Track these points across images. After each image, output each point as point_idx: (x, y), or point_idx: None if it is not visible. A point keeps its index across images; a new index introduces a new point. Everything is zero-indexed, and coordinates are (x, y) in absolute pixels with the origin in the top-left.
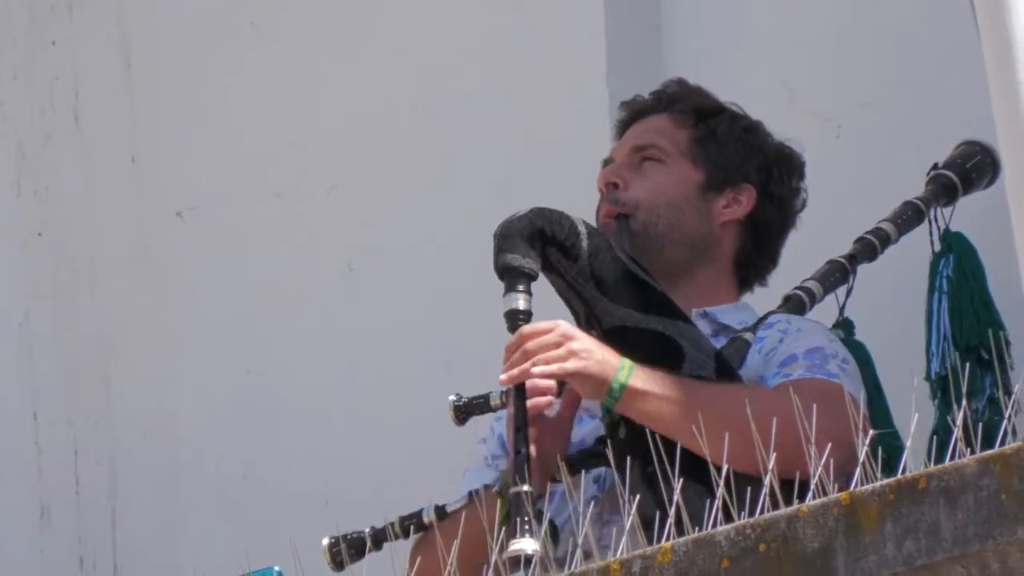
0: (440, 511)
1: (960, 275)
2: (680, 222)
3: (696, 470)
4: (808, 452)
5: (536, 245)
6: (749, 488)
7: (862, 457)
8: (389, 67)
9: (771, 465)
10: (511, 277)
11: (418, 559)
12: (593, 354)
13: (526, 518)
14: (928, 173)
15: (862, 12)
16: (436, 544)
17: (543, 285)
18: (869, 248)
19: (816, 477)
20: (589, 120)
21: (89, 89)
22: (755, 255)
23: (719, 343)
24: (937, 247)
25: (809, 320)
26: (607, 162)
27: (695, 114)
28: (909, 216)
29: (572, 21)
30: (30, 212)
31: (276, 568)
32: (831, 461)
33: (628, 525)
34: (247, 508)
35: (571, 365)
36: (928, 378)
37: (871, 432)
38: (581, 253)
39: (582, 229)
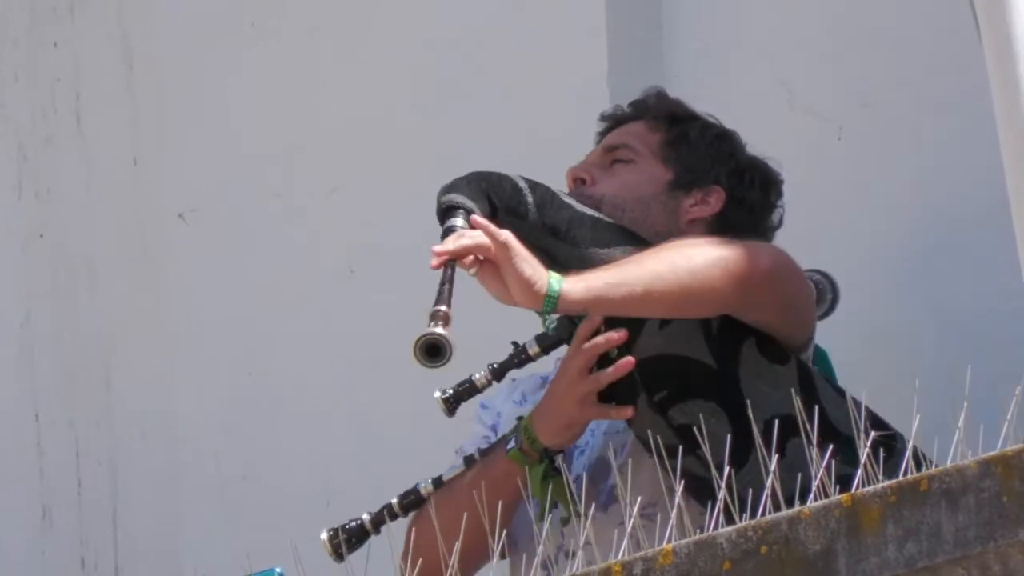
0: (437, 482)
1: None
2: (645, 216)
3: (703, 392)
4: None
5: (449, 214)
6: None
7: (863, 459)
8: (389, 68)
9: (773, 467)
10: (451, 214)
11: (413, 532)
12: (527, 255)
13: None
14: None
15: (862, 12)
16: (431, 516)
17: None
18: None
19: (818, 479)
20: (590, 120)
21: (90, 91)
22: None
23: None
24: None
25: None
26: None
27: (669, 119)
28: None
29: (573, 21)
30: (31, 213)
31: (277, 569)
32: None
33: (629, 528)
34: (248, 509)
35: (496, 250)
36: None
37: (872, 434)
38: (528, 209)
39: (523, 185)
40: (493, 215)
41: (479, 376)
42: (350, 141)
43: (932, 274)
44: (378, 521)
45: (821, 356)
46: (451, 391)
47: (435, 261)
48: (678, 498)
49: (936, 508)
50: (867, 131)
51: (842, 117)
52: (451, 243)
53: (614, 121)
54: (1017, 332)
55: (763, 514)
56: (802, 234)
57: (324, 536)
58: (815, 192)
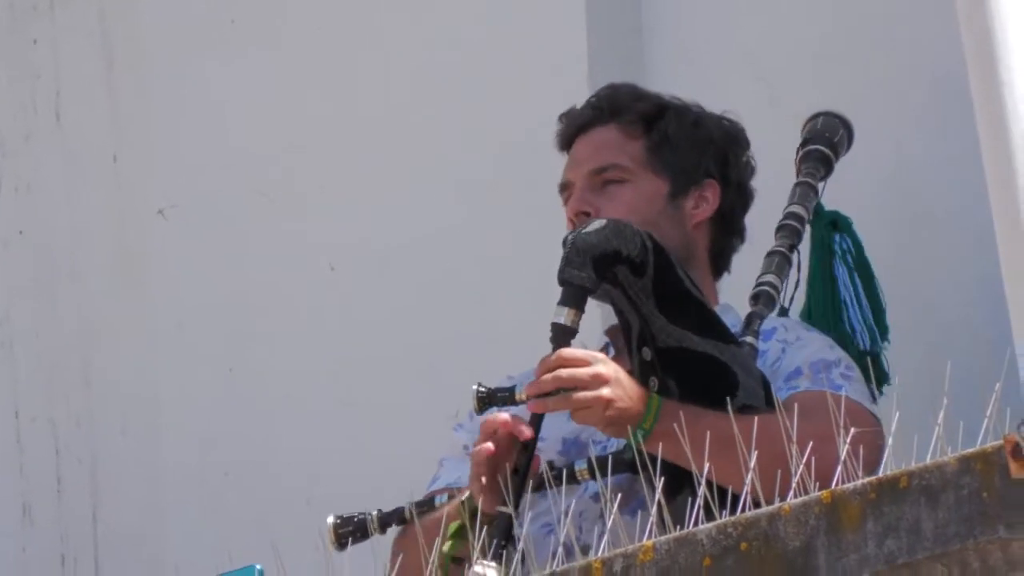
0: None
1: (862, 263)
2: (659, 237)
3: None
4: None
5: (605, 264)
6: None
7: (843, 455)
8: (373, 66)
9: (752, 464)
10: (568, 292)
11: (400, 556)
12: (621, 401)
13: (503, 544)
14: (799, 151)
15: (843, 14)
16: (417, 539)
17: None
18: (797, 234)
19: (797, 476)
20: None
21: (70, 87)
22: (726, 242)
23: None
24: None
25: (802, 325)
26: (564, 186)
27: (643, 121)
28: (810, 195)
29: (553, 25)
30: (11, 210)
31: (257, 567)
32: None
33: (609, 524)
34: (229, 506)
35: (594, 415)
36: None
37: (852, 430)
38: (648, 270)
39: (650, 245)
40: (614, 265)
41: (520, 390)
42: (332, 138)
43: (911, 272)
44: (385, 522)
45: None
46: (487, 391)
47: (532, 405)
48: (658, 494)
49: (916, 505)
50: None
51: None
52: (556, 400)
53: (579, 126)
54: (996, 329)
55: (743, 511)
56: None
57: (330, 521)
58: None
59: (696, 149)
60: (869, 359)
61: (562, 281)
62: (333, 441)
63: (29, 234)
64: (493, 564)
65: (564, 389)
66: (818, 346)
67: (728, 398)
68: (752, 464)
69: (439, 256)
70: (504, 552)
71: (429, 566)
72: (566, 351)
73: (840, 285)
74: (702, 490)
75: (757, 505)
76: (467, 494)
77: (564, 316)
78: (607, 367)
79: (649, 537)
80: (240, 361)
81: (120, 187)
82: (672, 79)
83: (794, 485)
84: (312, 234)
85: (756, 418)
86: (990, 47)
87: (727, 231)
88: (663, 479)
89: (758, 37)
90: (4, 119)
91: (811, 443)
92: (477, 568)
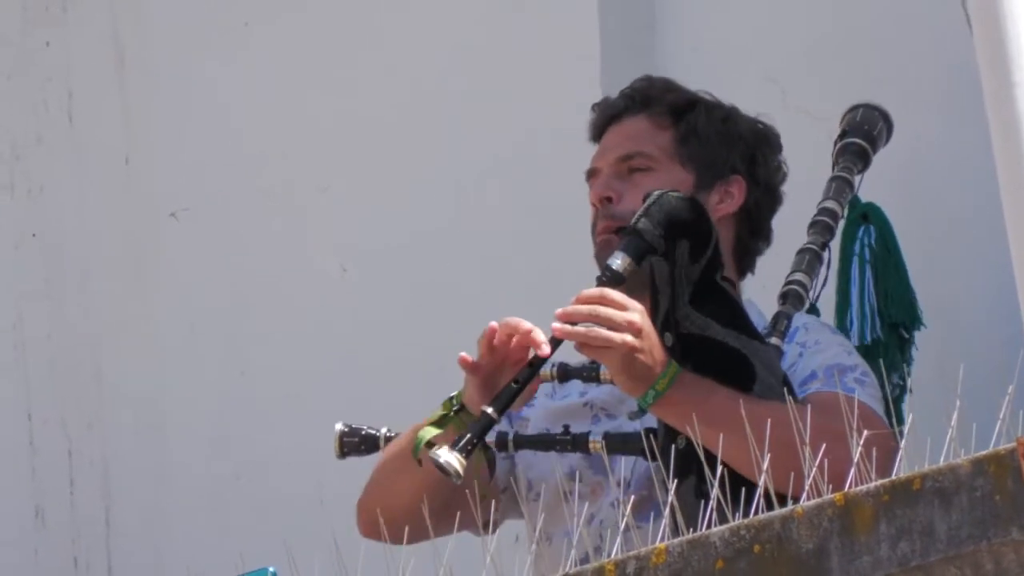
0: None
1: (883, 249)
2: None
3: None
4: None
5: (675, 231)
6: (745, 490)
7: (856, 458)
8: (382, 68)
9: (765, 467)
10: (633, 240)
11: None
12: (643, 355)
13: (475, 441)
14: (836, 143)
15: (854, 11)
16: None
17: None
18: (829, 229)
19: (810, 478)
20: (583, 120)
21: (82, 89)
22: (751, 242)
23: None
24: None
25: (826, 327)
26: (591, 172)
27: (672, 112)
28: (845, 190)
29: (566, 22)
30: (23, 213)
31: (271, 569)
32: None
33: (623, 527)
34: (240, 508)
35: (612, 357)
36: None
37: (864, 432)
38: (703, 258)
39: (715, 238)
40: (681, 237)
41: (546, 370)
42: (342, 140)
43: (924, 273)
44: (390, 440)
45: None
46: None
47: (558, 329)
48: (671, 497)
49: (929, 507)
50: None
51: (834, 116)
52: (577, 308)
53: (610, 116)
54: (1009, 331)
55: (756, 513)
56: (794, 232)
57: (338, 427)
58: (807, 191)
59: (724, 144)
60: (883, 351)
61: (632, 229)
62: None
63: (41, 236)
64: (456, 456)
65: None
66: (835, 351)
67: (746, 389)
68: (766, 448)
69: (451, 257)
70: (472, 450)
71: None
72: (609, 290)
73: (851, 280)
74: (718, 489)
75: (766, 494)
76: (460, 389)
77: (619, 262)
78: (643, 319)
79: (662, 539)
80: (251, 363)
81: (132, 190)
82: (684, 78)
83: (809, 482)
84: (323, 235)
85: (768, 403)
86: (1003, 49)
87: (752, 230)
88: (673, 463)
89: (769, 34)
90: (16, 121)
91: (824, 439)
92: (441, 454)
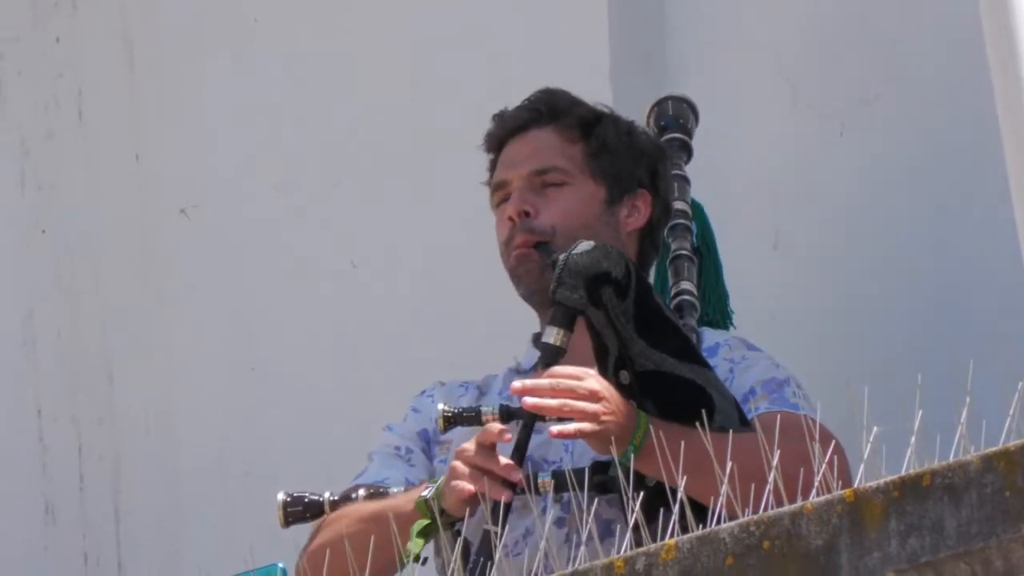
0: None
1: (705, 247)
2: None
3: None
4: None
5: (595, 285)
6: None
7: (865, 454)
8: (391, 64)
9: (775, 462)
10: (558, 312)
11: (325, 533)
12: (614, 417)
13: (483, 560)
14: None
15: (864, 8)
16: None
17: None
18: (688, 230)
19: (820, 475)
20: None
21: (92, 85)
22: (651, 255)
23: None
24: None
25: (743, 342)
26: (499, 184)
27: (581, 126)
28: (686, 187)
29: (575, 21)
30: (34, 209)
31: (280, 565)
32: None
33: (632, 523)
34: (250, 505)
35: (587, 427)
36: None
37: (875, 429)
38: (630, 294)
39: (632, 269)
40: (603, 286)
41: (486, 411)
42: (352, 135)
43: (934, 269)
44: (336, 506)
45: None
46: (455, 411)
47: (530, 404)
48: (680, 493)
49: (939, 503)
50: (869, 127)
51: (844, 113)
52: (547, 401)
53: (513, 128)
54: (1020, 327)
55: (765, 509)
56: (803, 230)
57: (280, 497)
58: (816, 188)
59: (631, 158)
60: None
61: (555, 302)
62: (353, 439)
63: (51, 233)
64: None
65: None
66: (764, 365)
67: (707, 419)
68: (742, 478)
69: (461, 253)
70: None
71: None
72: (558, 368)
73: (667, 279)
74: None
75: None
76: (429, 493)
77: (554, 336)
78: (600, 382)
79: (671, 536)
80: (261, 360)
81: (142, 186)
82: (694, 75)
83: (819, 477)
84: (333, 231)
85: (736, 436)
86: (1012, 39)
87: (652, 244)
88: (639, 501)
89: (780, 32)
90: (26, 118)
91: (799, 464)
92: None
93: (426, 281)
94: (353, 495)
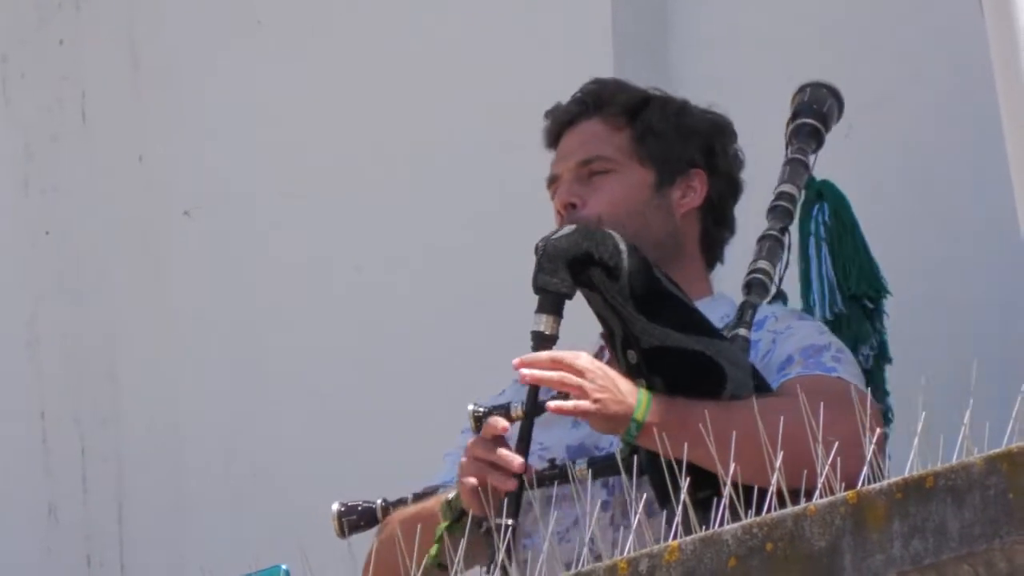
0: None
1: (838, 224)
2: (645, 226)
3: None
4: (816, 454)
5: (579, 267)
6: (745, 493)
7: (869, 455)
8: (396, 64)
9: (778, 463)
10: (544, 298)
11: (376, 542)
12: (611, 395)
13: (504, 556)
14: (788, 125)
15: (870, 9)
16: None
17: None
18: (788, 214)
19: (823, 477)
20: None
21: (96, 88)
22: (717, 233)
23: None
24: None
25: (794, 314)
26: (552, 179)
27: (626, 112)
28: (801, 172)
29: (578, 17)
30: (37, 211)
31: (283, 567)
32: (839, 460)
33: (635, 525)
34: (254, 506)
35: (585, 405)
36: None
37: (878, 431)
38: (622, 272)
39: (623, 247)
40: (588, 268)
41: (516, 407)
42: (357, 138)
43: (938, 271)
44: (388, 511)
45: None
46: (485, 409)
47: (527, 375)
48: (683, 494)
49: (942, 505)
50: (875, 129)
51: (850, 115)
52: (541, 370)
53: (564, 122)
54: (1022, 329)
55: (768, 511)
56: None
57: (335, 508)
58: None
59: (681, 139)
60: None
61: (537, 288)
62: (359, 440)
63: (55, 235)
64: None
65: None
66: (807, 332)
67: (719, 391)
68: (767, 451)
69: (465, 256)
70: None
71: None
72: (552, 353)
73: (810, 260)
74: (727, 492)
75: (761, 492)
76: (452, 494)
77: (543, 323)
78: (591, 363)
79: (674, 537)
80: (265, 361)
81: (145, 188)
82: (698, 74)
83: (822, 472)
84: (337, 235)
85: (757, 400)
86: (1016, 42)
87: (717, 221)
88: (658, 483)
89: (786, 32)
90: (31, 120)
91: (825, 426)
92: None
93: (432, 284)
94: (406, 499)
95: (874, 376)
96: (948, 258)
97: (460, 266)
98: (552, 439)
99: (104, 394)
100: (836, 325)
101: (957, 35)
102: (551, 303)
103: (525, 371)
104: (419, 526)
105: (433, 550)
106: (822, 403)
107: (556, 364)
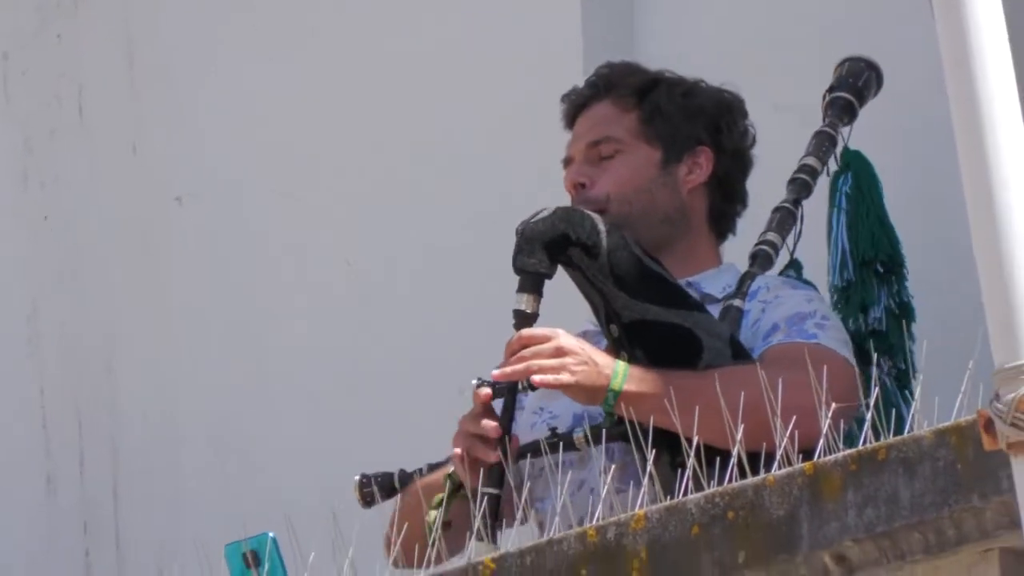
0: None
1: (857, 191)
2: (652, 203)
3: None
4: (774, 425)
5: (557, 248)
6: (719, 457)
7: (824, 429)
8: (390, 64)
9: (739, 436)
10: (524, 278)
11: (405, 524)
12: (586, 366)
13: (492, 523)
14: (824, 98)
15: (838, 13)
16: (411, 509)
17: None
18: (805, 186)
19: (782, 448)
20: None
21: (93, 84)
22: (726, 207)
23: (713, 312)
24: (835, 166)
25: (787, 283)
26: (566, 160)
27: (635, 94)
28: (826, 145)
29: (549, 41)
30: (37, 202)
31: (270, 535)
32: (798, 427)
33: (604, 494)
34: (243, 484)
35: (564, 378)
36: (829, 287)
37: (834, 406)
38: (601, 251)
39: (602, 227)
40: (567, 248)
41: (521, 385)
42: (349, 133)
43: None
44: (405, 480)
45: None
46: (486, 382)
47: (495, 372)
48: (650, 466)
49: (894, 476)
50: (845, 132)
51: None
52: (513, 367)
53: (578, 105)
54: (970, 311)
55: (730, 481)
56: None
57: (356, 479)
58: (768, 188)
59: (687, 118)
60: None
61: (517, 269)
62: (341, 422)
63: (54, 226)
64: (485, 546)
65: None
66: (795, 301)
67: (696, 361)
68: (735, 414)
69: (457, 250)
70: (494, 530)
71: (433, 532)
72: (526, 331)
73: (832, 228)
74: (691, 461)
75: (738, 463)
76: (451, 468)
77: (523, 302)
78: (567, 339)
79: (640, 506)
80: (255, 346)
81: (140, 178)
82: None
83: (781, 444)
84: (329, 226)
85: (720, 371)
86: (966, 44)
87: (725, 196)
88: (647, 443)
89: (751, 43)
90: (30, 115)
91: (786, 390)
92: (477, 550)
93: (422, 278)
94: (421, 469)
95: (890, 335)
96: (914, 245)
97: (452, 259)
98: (560, 408)
99: (101, 378)
100: (846, 290)
101: (922, 42)
102: (531, 283)
103: (495, 371)
104: (430, 495)
105: (430, 516)
106: (800, 370)
107: (520, 357)
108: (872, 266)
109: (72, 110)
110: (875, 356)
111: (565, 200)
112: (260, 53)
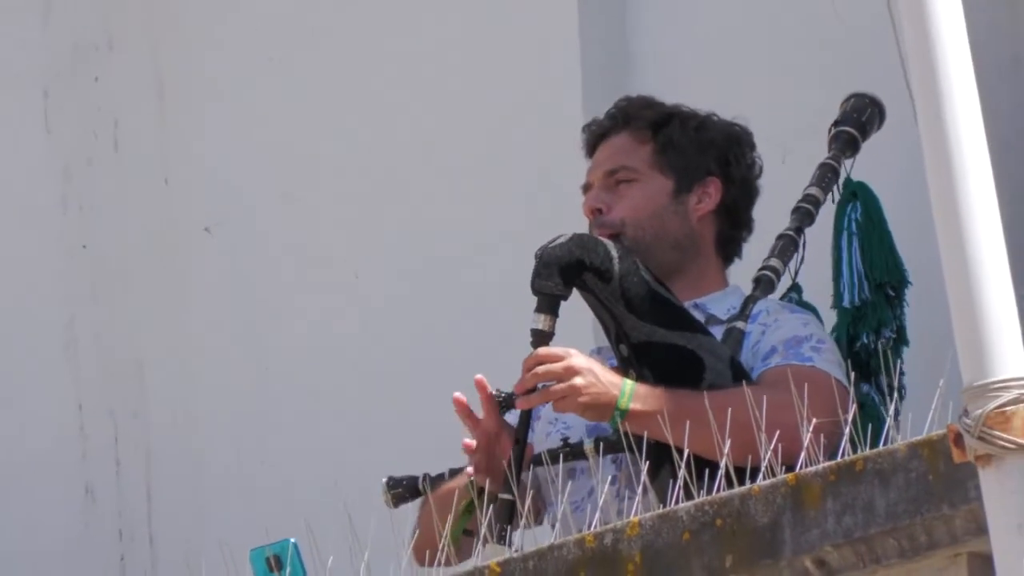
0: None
1: (867, 220)
2: (664, 229)
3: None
4: (760, 441)
5: (572, 272)
6: (715, 469)
7: (806, 443)
8: (403, 85)
9: (727, 449)
10: (541, 300)
11: (421, 510)
12: (594, 387)
13: (506, 527)
14: (830, 131)
15: (808, 36)
16: (430, 513)
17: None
18: (808, 215)
19: (765, 462)
20: (565, 155)
21: (127, 118)
22: (733, 234)
23: (716, 333)
24: (837, 195)
25: (786, 307)
26: (586, 187)
27: (651, 127)
28: (829, 176)
29: (548, 67)
30: (75, 227)
31: (292, 540)
32: (781, 445)
33: (601, 503)
34: (265, 489)
35: (571, 404)
36: (838, 307)
37: (814, 421)
38: (613, 275)
39: (615, 254)
40: (582, 273)
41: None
42: (363, 153)
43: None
44: (433, 484)
45: (811, 311)
46: (505, 395)
47: (519, 403)
48: (644, 476)
49: (870, 486)
50: (811, 155)
51: (788, 141)
52: (527, 397)
53: (598, 135)
54: (940, 334)
55: (718, 491)
56: (744, 253)
57: (383, 481)
58: (759, 214)
59: (698, 150)
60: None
61: (535, 291)
62: (356, 432)
63: (90, 248)
64: (499, 548)
65: (545, 384)
66: (792, 325)
67: (699, 380)
68: (726, 432)
69: (462, 264)
70: (508, 535)
71: (442, 539)
72: (541, 350)
73: (841, 251)
74: (683, 472)
75: (727, 474)
76: (470, 470)
77: (540, 322)
78: (579, 359)
79: (638, 513)
80: (274, 361)
81: (170, 207)
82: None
83: (765, 458)
84: (338, 245)
85: (719, 393)
86: (931, 63)
87: (732, 223)
88: (647, 457)
89: (725, 61)
90: (69, 146)
91: (775, 411)
92: (489, 554)
93: (427, 290)
94: (443, 474)
95: (892, 357)
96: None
97: (457, 272)
98: (573, 419)
99: (133, 389)
100: (861, 311)
101: (893, 64)
102: (547, 304)
103: (519, 402)
104: (450, 500)
105: (456, 528)
106: (787, 391)
107: (536, 377)
108: (884, 289)
109: (108, 142)
110: (886, 368)
111: (563, 198)
112: (278, 92)
